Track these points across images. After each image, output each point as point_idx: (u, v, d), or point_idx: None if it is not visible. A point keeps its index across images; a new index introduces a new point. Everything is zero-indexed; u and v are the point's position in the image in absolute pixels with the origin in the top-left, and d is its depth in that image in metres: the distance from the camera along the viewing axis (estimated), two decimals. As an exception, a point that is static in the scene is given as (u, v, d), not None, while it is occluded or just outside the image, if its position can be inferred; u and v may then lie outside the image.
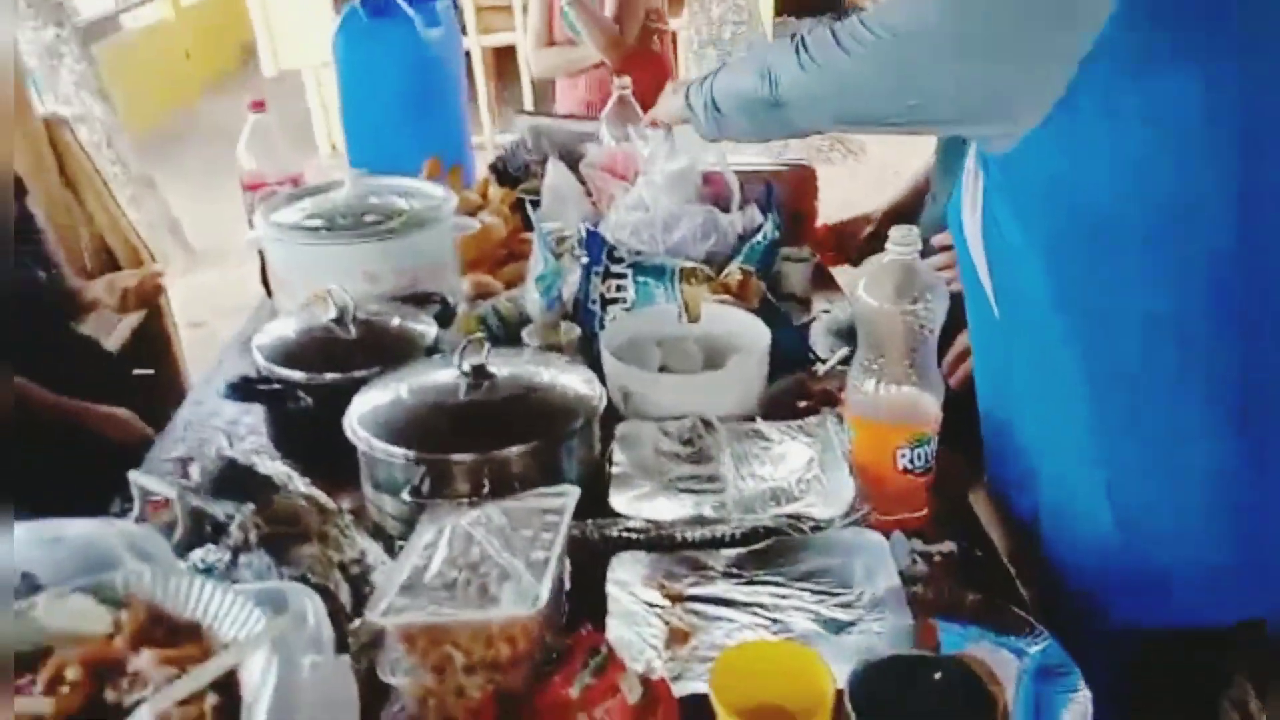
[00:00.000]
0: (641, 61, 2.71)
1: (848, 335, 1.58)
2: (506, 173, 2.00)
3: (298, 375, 1.24)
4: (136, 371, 2.29)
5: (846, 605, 0.97)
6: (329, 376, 1.22)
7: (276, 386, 1.24)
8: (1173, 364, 0.99)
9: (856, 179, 2.90)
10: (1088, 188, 0.96)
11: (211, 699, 0.66)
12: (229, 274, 4.60)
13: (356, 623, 0.94)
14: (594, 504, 1.08)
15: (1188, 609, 1.07)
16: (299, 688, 0.66)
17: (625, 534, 1.06)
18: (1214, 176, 0.93)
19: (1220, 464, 1.01)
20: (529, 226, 1.78)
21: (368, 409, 1.11)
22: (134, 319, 2.59)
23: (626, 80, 1.90)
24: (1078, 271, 1.00)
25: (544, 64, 2.96)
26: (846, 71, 1.09)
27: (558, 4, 2.77)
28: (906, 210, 1.77)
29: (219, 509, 1.09)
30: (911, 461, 1.10)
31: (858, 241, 1.83)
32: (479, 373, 1.10)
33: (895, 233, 1.08)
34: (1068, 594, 1.12)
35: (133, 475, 1.07)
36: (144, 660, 0.68)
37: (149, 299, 2.04)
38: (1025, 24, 0.94)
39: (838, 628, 0.94)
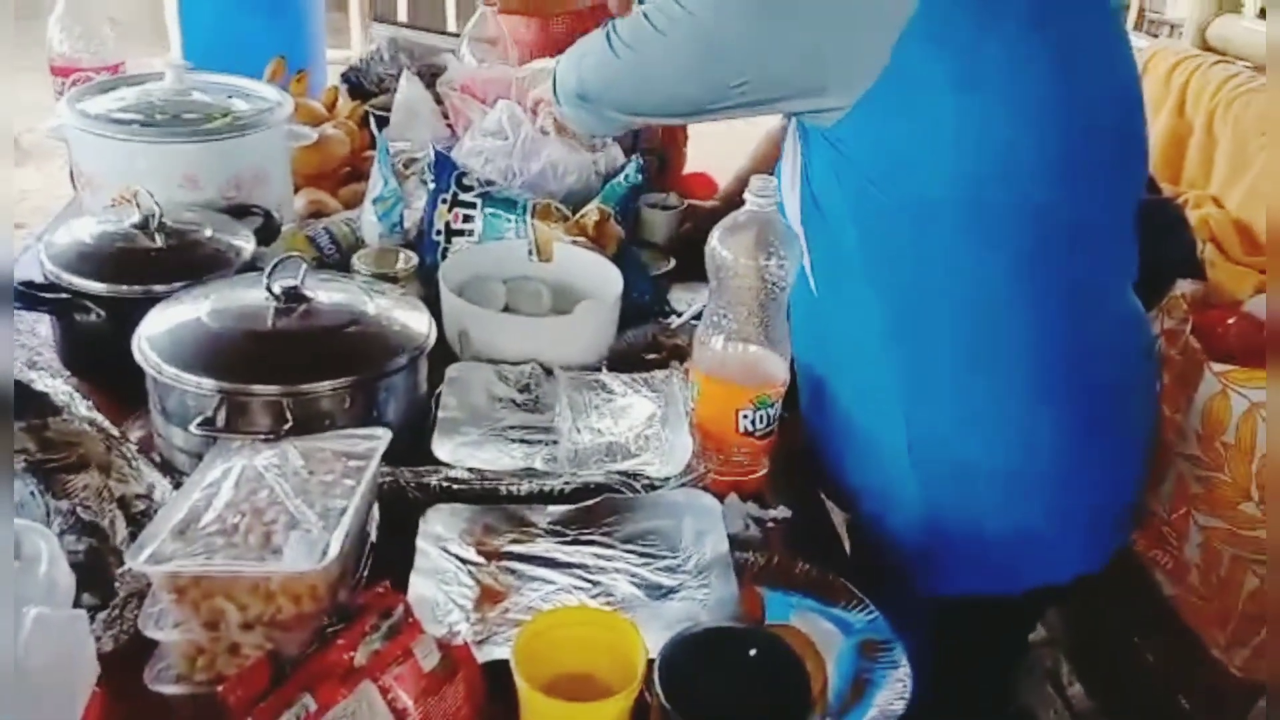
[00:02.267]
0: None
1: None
2: (359, 85, 1.85)
3: (90, 285, 1.10)
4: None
5: (671, 570, 0.92)
6: (124, 289, 1.09)
7: (64, 295, 1.10)
8: (977, 337, 1.01)
9: (732, 129, 2.82)
10: (901, 164, 0.95)
11: (-96, 657, 0.55)
12: (59, 174, 4.21)
13: (125, 567, 0.84)
14: (416, 451, 1.00)
15: (988, 577, 1.10)
16: (17, 643, 0.56)
17: (445, 484, 0.98)
18: (1028, 160, 0.94)
19: (1020, 435, 1.04)
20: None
21: (161, 328, 0.98)
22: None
23: (492, -3, 1.77)
24: (891, 247, 1.00)
25: None
26: (661, 55, 1.04)
27: None
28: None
29: (-19, 429, 0.96)
30: (753, 424, 1.06)
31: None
32: (291, 296, 0.99)
33: (755, 182, 1.02)
34: (878, 560, 1.12)
35: None
36: None
37: None
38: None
39: (661, 593, 0.89)
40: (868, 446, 1.10)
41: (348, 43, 5.15)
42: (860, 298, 1.03)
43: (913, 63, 0.91)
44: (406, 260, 1.26)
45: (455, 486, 0.98)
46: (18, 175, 4.18)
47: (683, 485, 1.02)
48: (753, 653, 0.70)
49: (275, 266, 0.99)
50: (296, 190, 1.49)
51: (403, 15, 5.04)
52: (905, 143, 0.94)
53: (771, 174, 1.11)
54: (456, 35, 1.93)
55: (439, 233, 1.36)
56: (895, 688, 0.85)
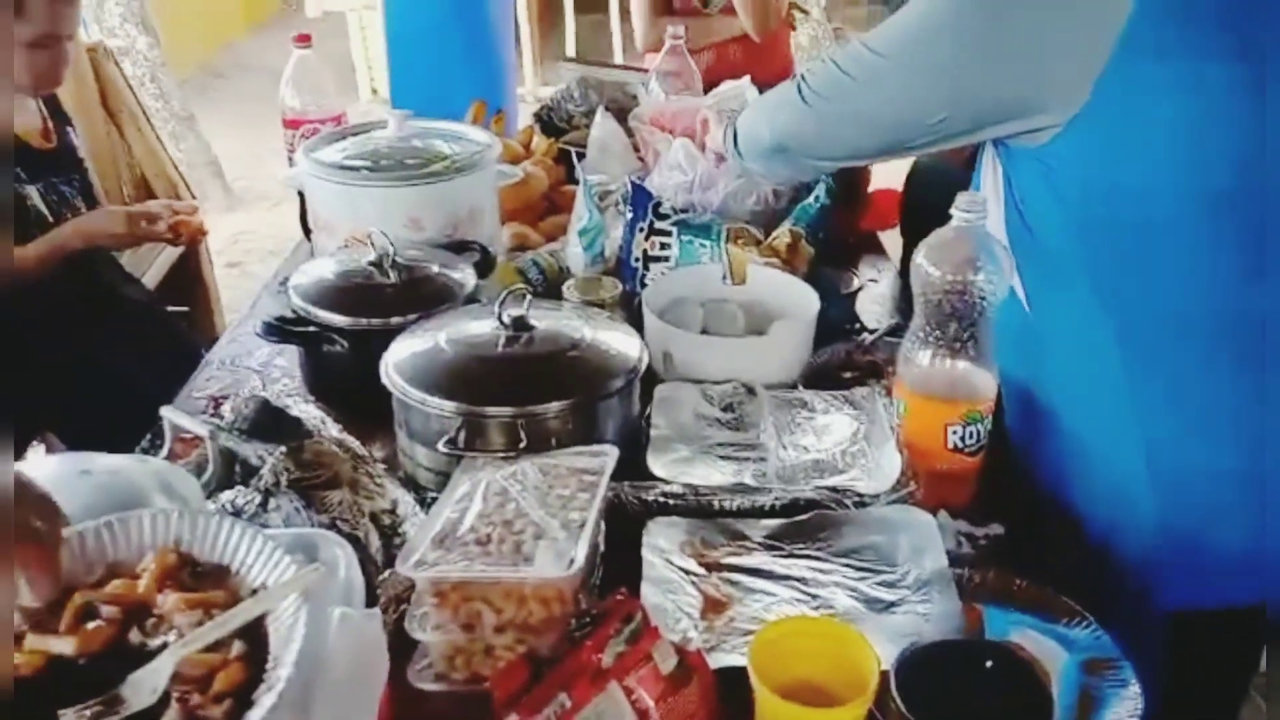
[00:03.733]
0: (774, 45, 2.44)
1: (894, 306, 1.54)
2: (551, 123, 1.95)
3: (335, 318, 1.21)
4: (171, 309, 2.28)
5: (890, 585, 0.93)
6: (366, 321, 1.19)
7: (312, 329, 1.22)
8: (1218, 341, 0.98)
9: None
10: (1125, 174, 0.94)
11: (237, 647, 0.63)
12: (266, 216, 4.58)
13: (386, 574, 0.92)
14: (631, 467, 1.05)
15: (1226, 589, 1.06)
16: (327, 639, 0.64)
17: (663, 499, 1.03)
18: (1261, 157, 0.92)
19: (1261, 436, 1.00)
20: (571, 179, 1.74)
21: (405, 356, 1.08)
22: (170, 257, 2.58)
23: (679, 29, 1.84)
24: (1119, 257, 0.98)
25: (660, 37, 2.27)
26: (857, 102, 1.07)
27: None
28: None
29: (250, 450, 1.08)
30: (963, 440, 1.06)
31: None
32: (519, 324, 1.07)
33: (962, 199, 1.03)
34: (1106, 575, 1.09)
35: (165, 411, 1.05)
36: (170, 603, 0.66)
37: (193, 240, 2.01)
38: (1043, 14, 0.92)
39: (880, 607, 0.91)
40: (1094, 460, 1.08)
41: (522, 80, 5.39)
42: (1083, 313, 1.02)
43: (1130, 72, 0.90)
44: (612, 287, 1.33)
45: (672, 501, 1.03)
46: (230, 219, 4.58)
47: (893, 501, 1.03)
48: (989, 664, 0.71)
49: (504, 299, 1.07)
50: (502, 224, 1.59)
51: (570, 50, 5.24)
52: (1125, 156, 0.93)
53: None
54: (639, 69, 2.01)
55: (637, 260, 1.43)
56: (1126, 705, 0.83)
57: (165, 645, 0.64)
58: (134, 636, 0.65)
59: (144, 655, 0.63)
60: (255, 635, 0.64)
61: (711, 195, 1.55)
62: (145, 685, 0.61)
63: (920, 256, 1.06)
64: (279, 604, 0.64)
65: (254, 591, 0.67)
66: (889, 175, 1.88)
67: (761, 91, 1.49)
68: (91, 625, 0.66)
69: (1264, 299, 0.97)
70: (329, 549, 0.72)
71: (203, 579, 0.69)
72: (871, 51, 1.03)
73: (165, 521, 0.71)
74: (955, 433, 1.06)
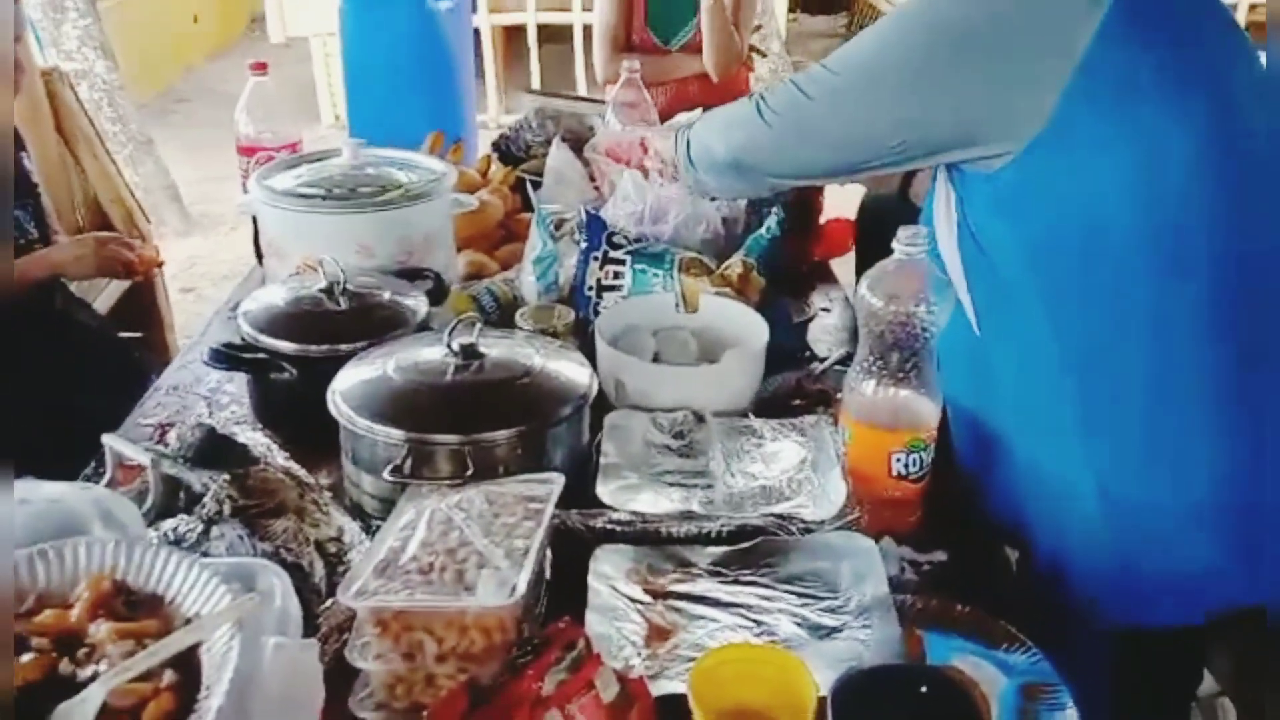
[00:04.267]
0: (732, 84, 2.52)
1: (846, 335, 1.56)
2: (509, 152, 1.96)
3: (283, 345, 1.20)
4: (123, 335, 2.25)
5: (832, 610, 0.94)
6: (315, 348, 1.19)
7: (261, 356, 1.21)
8: (1164, 370, 1.00)
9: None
10: (1081, 206, 0.97)
11: (169, 676, 0.63)
12: (222, 241, 4.55)
13: (329, 603, 0.92)
14: (579, 494, 1.06)
15: (1173, 608, 1.08)
16: (261, 669, 0.63)
17: (610, 526, 1.03)
18: (1204, 195, 0.95)
19: (1210, 464, 1.02)
20: (528, 207, 1.75)
21: (352, 384, 1.08)
22: (124, 282, 2.55)
23: (635, 64, 1.87)
24: (1070, 285, 1.01)
25: (619, 70, 2.23)
26: (816, 123, 1.09)
27: (639, 5, 2.52)
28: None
29: (195, 478, 1.07)
30: (906, 467, 1.08)
31: None
32: (469, 352, 1.07)
33: (903, 232, 1.05)
34: (1054, 596, 1.11)
35: (107, 439, 1.04)
36: (101, 632, 0.65)
37: (148, 272, 1.99)
38: (1000, 50, 0.96)
39: (823, 633, 0.92)
40: (1042, 483, 1.10)
41: (485, 108, 5.41)
42: (1033, 335, 1.04)
43: (1077, 116, 0.93)
44: (565, 315, 1.34)
45: (619, 528, 1.03)
46: (186, 243, 4.53)
47: (838, 528, 1.04)
48: (924, 690, 0.72)
49: (454, 327, 1.07)
50: (457, 252, 1.59)
51: (535, 83, 5.29)
52: (1075, 191, 0.96)
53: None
54: (597, 101, 2.03)
55: (590, 289, 1.44)
56: (1062, 729, 0.85)
57: (96, 675, 0.63)
58: (64, 667, 0.64)
59: (74, 686, 0.62)
60: (188, 665, 0.64)
61: (662, 226, 1.56)
62: (73, 717, 0.60)
63: (863, 289, 1.08)
64: (212, 633, 0.64)
65: (188, 621, 0.66)
66: (842, 204, 1.92)
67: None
68: (25, 658, 0.65)
69: (1209, 332, 0.99)
70: (266, 578, 0.71)
71: (137, 608, 0.68)
72: (829, 71, 1.05)
73: (100, 550, 0.71)
74: (899, 460, 1.08)
